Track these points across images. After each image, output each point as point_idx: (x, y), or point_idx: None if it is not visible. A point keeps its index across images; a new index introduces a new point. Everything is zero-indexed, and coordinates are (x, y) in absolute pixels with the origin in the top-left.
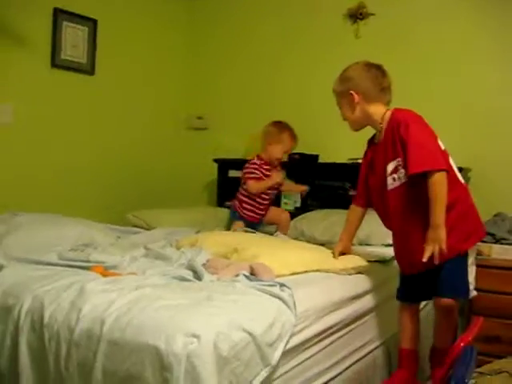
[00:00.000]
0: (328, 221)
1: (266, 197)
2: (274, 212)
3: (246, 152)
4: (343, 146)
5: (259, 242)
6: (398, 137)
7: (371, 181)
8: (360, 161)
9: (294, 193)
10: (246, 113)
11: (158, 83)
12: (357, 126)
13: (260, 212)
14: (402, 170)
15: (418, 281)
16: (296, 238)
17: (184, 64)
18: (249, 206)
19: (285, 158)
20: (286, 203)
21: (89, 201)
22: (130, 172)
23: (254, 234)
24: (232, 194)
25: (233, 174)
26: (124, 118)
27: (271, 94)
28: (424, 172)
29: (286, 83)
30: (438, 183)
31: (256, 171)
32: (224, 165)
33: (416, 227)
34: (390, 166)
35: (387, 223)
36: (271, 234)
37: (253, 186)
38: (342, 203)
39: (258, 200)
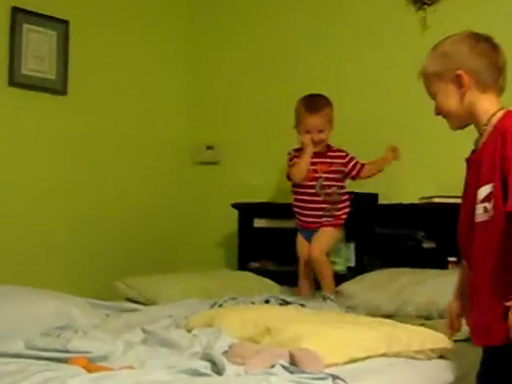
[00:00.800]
0: (395, 284)
1: (307, 198)
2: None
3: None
4: (412, 179)
5: (300, 316)
6: (499, 154)
7: (461, 204)
8: (437, 200)
9: (340, 244)
10: (271, 139)
11: (153, 105)
12: (460, 123)
13: (306, 215)
14: (493, 202)
15: (499, 361)
16: (350, 309)
17: (187, 79)
18: (296, 209)
19: (316, 137)
20: (334, 262)
21: (65, 267)
22: (120, 226)
23: (292, 307)
24: (259, 251)
25: (259, 223)
26: (109, 154)
27: None
28: None
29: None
30: None
31: (291, 161)
32: (246, 211)
33: (494, 281)
34: (483, 191)
35: (469, 265)
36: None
37: (293, 171)
38: (413, 259)
39: (301, 197)
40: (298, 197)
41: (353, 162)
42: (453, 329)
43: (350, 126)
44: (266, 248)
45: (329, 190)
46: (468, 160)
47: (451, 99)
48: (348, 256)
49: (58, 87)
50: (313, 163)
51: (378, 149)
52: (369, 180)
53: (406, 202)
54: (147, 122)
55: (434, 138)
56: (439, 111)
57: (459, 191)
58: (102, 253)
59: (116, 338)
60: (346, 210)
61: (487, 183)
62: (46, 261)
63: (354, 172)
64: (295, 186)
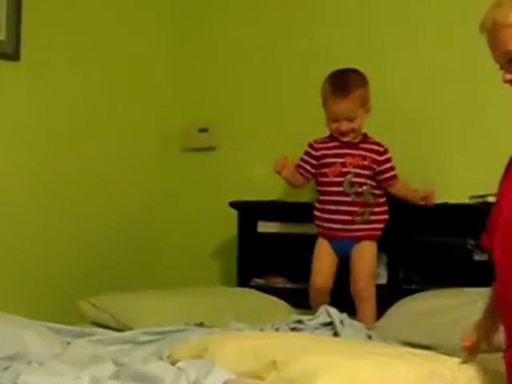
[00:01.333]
0: (440, 307)
1: (333, 198)
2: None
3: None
4: (460, 173)
5: (315, 346)
6: None
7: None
8: (492, 199)
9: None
10: (280, 118)
11: (132, 78)
12: None
13: (332, 220)
14: None
15: None
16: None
17: (174, 46)
18: (317, 212)
19: (344, 127)
20: None
21: (17, 281)
22: (88, 229)
23: (306, 333)
24: (264, 263)
25: (265, 227)
26: (74, 138)
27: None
28: None
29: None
30: None
31: (303, 155)
32: (249, 212)
33: None
34: None
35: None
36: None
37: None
38: (462, 275)
39: (325, 198)
40: (322, 197)
41: (388, 165)
42: (470, 350)
43: (385, 111)
44: (274, 259)
45: (359, 189)
46: None
47: None
48: (378, 271)
49: (9, 51)
50: (341, 155)
51: (420, 138)
52: (407, 176)
53: (452, 201)
54: (124, 99)
55: (487, 124)
56: None
57: None
58: (63, 264)
59: (80, 372)
60: (383, 218)
61: None
62: None
63: (383, 177)
64: (317, 181)
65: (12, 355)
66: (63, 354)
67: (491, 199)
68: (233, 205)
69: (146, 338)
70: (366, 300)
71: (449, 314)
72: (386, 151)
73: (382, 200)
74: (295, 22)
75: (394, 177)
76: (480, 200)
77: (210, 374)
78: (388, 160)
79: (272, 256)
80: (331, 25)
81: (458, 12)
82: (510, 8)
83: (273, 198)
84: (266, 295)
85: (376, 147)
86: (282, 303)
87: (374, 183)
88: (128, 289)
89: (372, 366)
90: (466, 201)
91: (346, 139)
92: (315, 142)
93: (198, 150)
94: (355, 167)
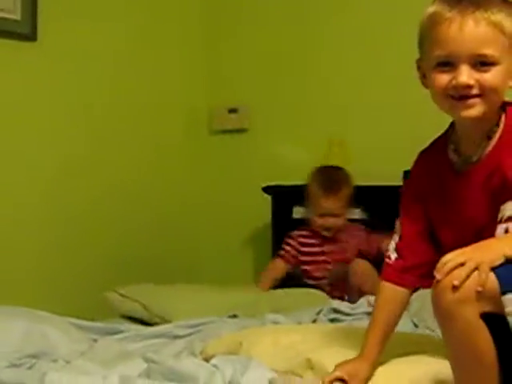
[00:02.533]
0: None
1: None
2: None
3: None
4: None
5: (352, 340)
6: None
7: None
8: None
9: None
10: (316, 98)
11: (158, 56)
12: (492, 110)
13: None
14: None
15: None
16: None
17: (203, 21)
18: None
19: (330, 223)
20: None
21: (39, 274)
22: (115, 218)
23: (344, 326)
24: None
25: (300, 213)
26: (99, 122)
27: (360, 66)
28: None
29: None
30: None
31: (285, 246)
32: (283, 197)
33: None
34: (509, 207)
35: None
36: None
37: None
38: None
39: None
40: (309, 281)
41: (372, 237)
42: None
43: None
44: None
45: (343, 277)
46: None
47: (507, 82)
48: None
49: (25, 31)
50: (323, 253)
51: None
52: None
53: None
54: (149, 77)
55: None
56: (487, 86)
57: None
58: (91, 254)
59: (109, 371)
60: None
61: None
62: (13, 266)
63: (374, 251)
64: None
65: (36, 353)
66: (90, 351)
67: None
68: (266, 190)
69: (179, 331)
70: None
71: None
72: (365, 229)
73: None
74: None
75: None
76: None
77: (247, 371)
78: (373, 236)
79: None
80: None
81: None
82: (506, 16)
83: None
84: (308, 288)
85: (356, 232)
86: (318, 293)
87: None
88: (157, 281)
89: (414, 368)
90: None
91: (328, 234)
92: (298, 236)
93: (228, 131)
94: (338, 261)
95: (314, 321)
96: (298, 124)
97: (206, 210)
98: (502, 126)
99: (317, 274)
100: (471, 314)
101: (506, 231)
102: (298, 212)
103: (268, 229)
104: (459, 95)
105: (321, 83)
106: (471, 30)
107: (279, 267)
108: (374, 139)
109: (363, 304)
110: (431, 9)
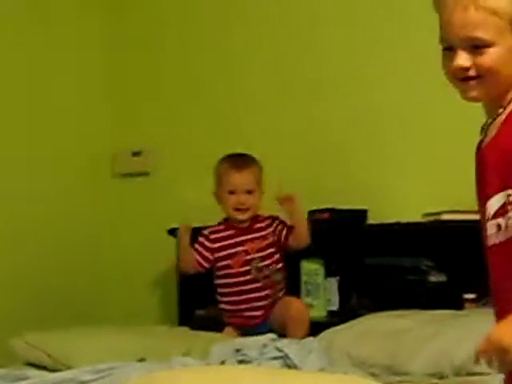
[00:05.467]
0: (393, 333)
1: (243, 288)
2: (279, 305)
3: None
4: (412, 189)
5: (266, 378)
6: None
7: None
8: (447, 216)
9: (321, 281)
10: (218, 141)
11: (60, 95)
12: (497, 92)
13: (246, 310)
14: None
15: None
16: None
17: (105, 64)
18: (226, 306)
19: (243, 199)
20: (309, 304)
21: None
22: (17, 262)
23: (256, 367)
24: (207, 294)
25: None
26: None
27: (267, 103)
28: None
29: (298, 76)
30: None
31: (198, 246)
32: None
33: None
34: (494, 203)
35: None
36: None
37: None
38: (418, 298)
39: (231, 290)
40: (228, 289)
41: (279, 226)
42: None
43: (332, 124)
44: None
45: (267, 272)
46: (480, 149)
47: (509, 61)
48: (328, 297)
49: None
50: (241, 243)
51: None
52: (354, 192)
53: (404, 220)
54: (51, 120)
55: (441, 134)
56: (485, 69)
57: (475, 204)
58: None
59: None
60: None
61: (500, 190)
62: None
63: (282, 238)
64: (219, 274)
65: None
66: None
67: (446, 217)
68: (172, 232)
69: (85, 376)
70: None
71: (400, 331)
72: (274, 217)
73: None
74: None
75: (289, 227)
76: (434, 218)
77: None
78: (279, 222)
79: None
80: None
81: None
82: None
83: (213, 223)
84: (208, 333)
85: (268, 221)
86: (227, 335)
87: (277, 258)
88: (61, 326)
89: None
90: (419, 219)
91: (243, 217)
92: (210, 232)
93: (131, 175)
94: (259, 251)
95: (223, 362)
96: (202, 166)
97: (111, 252)
98: (509, 107)
99: (240, 269)
100: None
101: (499, 228)
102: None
103: (173, 271)
104: (461, 77)
105: (224, 126)
106: (460, 16)
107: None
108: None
109: (272, 350)
110: None
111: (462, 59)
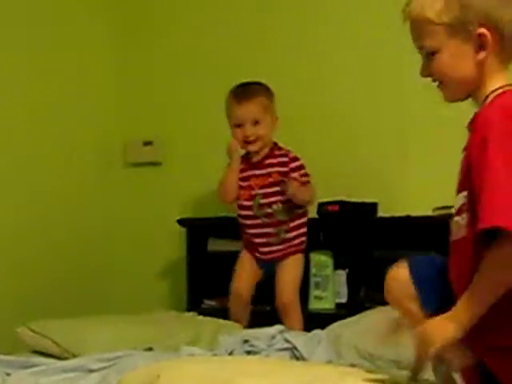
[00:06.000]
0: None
1: (249, 222)
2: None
3: None
4: (423, 183)
5: (271, 369)
6: (476, 156)
7: None
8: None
9: (331, 273)
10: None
11: (72, 85)
12: (460, 95)
13: (256, 244)
14: (465, 216)
15: None
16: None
17: (116, 54)
18: (244, 236)
19: (249, 132)
20: (318, 297)
21: None
22: (27, 251)
23: (263, 358)
24: (216, 284)
25: (215, 245)
26: (10, 152)
27: (278, 94)
28: (493, 229)
29: (300, 71)
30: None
31: None
32: (198, 230)
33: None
34: (458, 200)
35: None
36: None
37: (218, 191)
38: None
39: (244, 222)
40: (242, 221)
41: (295, 174)
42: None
43: (337, 122)
44: (227, 279)
45: (269, 210)
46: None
47: (463, 63)
48: (337, 289)
49: None
50: (247, 177)
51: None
52: (365, 185)
53: (414, 213)
54: (63, 110)
55: (452, 128)
56: (437, 74)
57: None
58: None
59: None
60: (303, 231)
61: (462, 190)
62: None
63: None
64: (238, 206)
65: None
66: None
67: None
68: (181, 222)
69: (93, 365)
70: (292, 313)
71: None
72: (293, 160)
73: (300, 211)
74: (239, 40)
75: (306, 184)
76: (444, 212)
77: None
78: (296, 168)
79: (223, 276)
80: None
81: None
82: (435, 2)
83: (223, 214)
84: (216, 319)
85: (282, 159)
86: (236, 325)
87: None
88: (69, 315)
89: None
90: (429, 213)
91: (253, 148)
92: None
93: (142, 164)
94: (261, 188)
95: (231, 353)
96: (213, 157)
97: (121, 242)
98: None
99: (244, 203)
100: None
101: (457, 226)
102: (212, 244)
103: (183, 261)
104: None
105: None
106: (408, 28)
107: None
108: None
109: (280, 341)
110: None
111: (421, 67)
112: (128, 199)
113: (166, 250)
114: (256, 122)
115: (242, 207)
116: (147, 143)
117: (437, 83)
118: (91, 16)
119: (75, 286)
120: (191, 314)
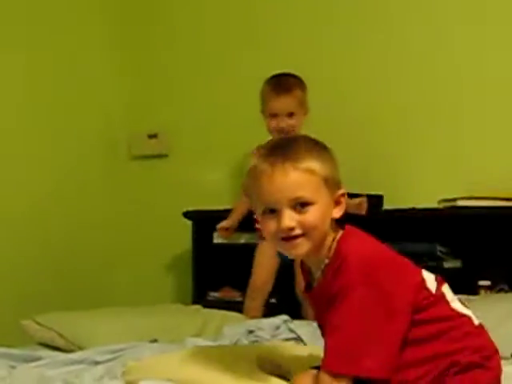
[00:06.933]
0: None
1: None
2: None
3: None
4: (429, 175)
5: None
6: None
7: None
8: (462, 202)
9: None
10: (236, 123)
11: (76, 79)
12: (315, 246)
13: None
14: None
15: None
16: None
17: (120, 46)
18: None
19: (284, 123)
20: None
21: None
22: (32, 244)
23: (279, 344)
24: (221, 276)
25: (221, 238)
26: (15, 143)
27: None
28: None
29: (317, 61)
30: None
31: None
32: (204, 222)
33: None
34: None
35: None
36: None
37: None
38: None
39: None
40: None
41: None
42: None
43: (342, 113)
44: (232, 272)
45: None
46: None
47: (328, 216)
48: None
49: None
50: None
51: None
52: (370, 177)
53: (420, 205)
54: (68, 103)
55: (458, 121)
56: (308, 225)
57: (491, 190)
58: (5, 281)
59: None
60: None
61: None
62: None
63: None
64: None
65: None
66: (9, 377)
67: (461, 203)
68: (187, 215)
69: (98, 357)
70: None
71: None
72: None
73: None
74: (244, 29)
75: None
76: (449, 204)
77: None
78: None
79: (229, 268)
80: (281, 31)
81: None
82: (315, 159)
83: (229, 206)
84: (221, 311)
85: None
86: (241, 317)
87: None
88: (75, 307)
89: None
90: (435, 205)
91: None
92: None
93: (147, 157)
94: None
95: (235, 343)
96: (219, 149)
97: (126, 235)
98: (330, 259)
99: None
100: None
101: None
102: (218, 237)
103: (188, 254)
104: (286, 236)
105: (242, 107)
106: (281, 179)
107: (244, 203)
108: None
109: (285, 331)
110: (252, 162)
111: (289, 219)
112: (133, 192)
113: (171, 243)
114: (291, 114)
115: None
116: (152, 136)
117: (295, 237)
118: (95, 7)
119: (81, 279)
120: (196, 306)
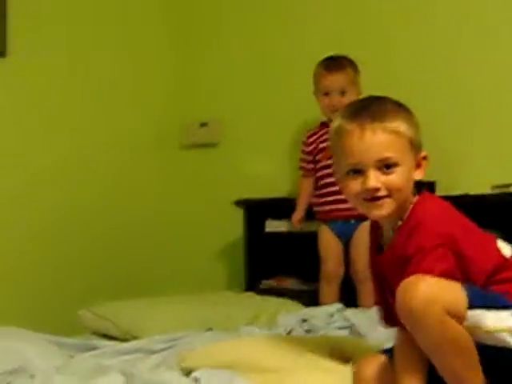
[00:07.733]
0: None
1: (329, 180)
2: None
3: None
4: (482, 161)
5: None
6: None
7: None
8: None
9: None
10: (288, 111)
11: (129, 69)
12: (397, 209)
13: (332, 202)
14: None
15: None
16: None
17: (174, 37)
18: (315, 199)
19: (335, 101)
20: None
21: (13, 293)
22: (85, 235)
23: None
24: (274, 264)
25: (273, 226)
26: (67, 136)
27: None
28: None
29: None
30: None
31: (300, 162)
32: (256, 211)
33: None
34: None
35: None
36: None
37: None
38: None
39: (324, 182)
40: (319, 183)
41: None
42: None
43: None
44: (284, 260)
45: None
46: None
47: (411, 178)
48: None
49: None
50: (326, 140)
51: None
52: None
53: (473, 192)
54: (120, 93)
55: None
56: (393, 187)
57: None
58: (61, 272)
59: None
60: None
61: None
62: None
63: None
64: (316, 170)
65: (13, 370)
66: (67, 367)
67: None
68: (238, 203)
69: (154, 346)
70: (366, 281)
71: None
72: None
73: None
74: (297, 14)
75: None
76: (503, 190)
77: None
78: None
79: (282, 256)
80: (335, 16)
81: None
82: (400, 119)
83: (281, 195)
84: (275, 298)
85: None
86: (294, 304)
87: None
88: (128, 297)
89: None
90: (489, 191)
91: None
92: (306, 136)
93: (199, 146)
94: None
95: (289, 332)
96: (270, 137)
97: (177, 224)
98: (404, 220)
99: (327, 162)
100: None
101: None
102: (270, 225)
103: (240, 242)
104: (371, 197)
105: (292, 96)
106: (370, 139)
107: (306, 186)
108: None
109: (339, 319)
110: (335, 123)
111: (375, 180)
112: (185, 180)
113: (223, 231)
114: (343, 92)
115: (324, 167)
116: (203, 124)
117: (379, 198)
118: (153, 2)
119: (134, 268)
120: (249, 293)
